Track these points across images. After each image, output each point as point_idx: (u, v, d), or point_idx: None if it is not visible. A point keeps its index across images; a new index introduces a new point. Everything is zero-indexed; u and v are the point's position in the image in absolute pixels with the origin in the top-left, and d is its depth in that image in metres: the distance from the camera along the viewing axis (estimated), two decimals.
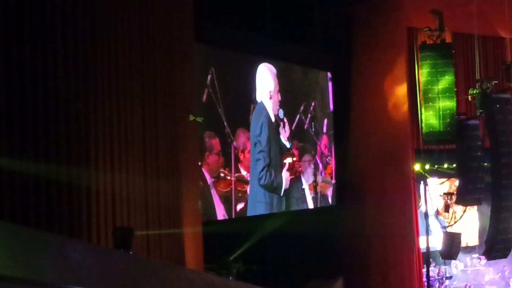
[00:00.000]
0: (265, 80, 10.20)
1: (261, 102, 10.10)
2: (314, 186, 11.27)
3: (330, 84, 12.08)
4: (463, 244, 12.33)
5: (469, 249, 14.10)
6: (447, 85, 11.05)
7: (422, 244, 12.56)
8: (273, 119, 10.31)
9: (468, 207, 12.52)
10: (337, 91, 12.04)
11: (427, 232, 12.38)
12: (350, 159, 12.06)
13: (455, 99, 11.15)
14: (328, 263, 11.39)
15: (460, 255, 12.44)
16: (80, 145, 5.50)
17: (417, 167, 12.47)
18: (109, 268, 3.22)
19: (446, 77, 11.11)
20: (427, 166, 12.72)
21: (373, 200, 11.83)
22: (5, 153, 4.81)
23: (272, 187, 10.24)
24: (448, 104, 11.07)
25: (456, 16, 11.48)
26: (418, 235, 12.53)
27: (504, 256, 11.32)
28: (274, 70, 10.40)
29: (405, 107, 12.14)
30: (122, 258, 3.75)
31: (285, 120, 10.60)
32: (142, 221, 6.32)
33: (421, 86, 11.59)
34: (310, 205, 11.27)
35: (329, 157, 12.08)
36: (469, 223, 13.96)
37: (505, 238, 10.89)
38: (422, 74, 11.36)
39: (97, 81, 5.75)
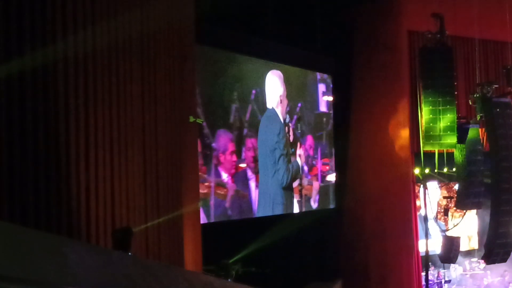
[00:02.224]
0: (275, 86, 10.43)
1: (272, 108, 10.31)
2: (299, 190, 10.82)
3: (320, 85, 11.80)
4: (462, 248, 12.32)
5: (468, 253, 14.09)
6: (447, 89, 11.04)
7: (421, 247, 12.56)
8: (282, 122, 10.61)
9: (467, 211, 12.52)
10: (337, 94, 12.06)
11: (426, 235, 12.38)
12: (350, 162, 12.07)
13: (455, 102, 11.14)
14: (327, 266, 11.38)
15: (459, 259, 12.43)
16: (79, 145, 5.50)
17: (416, 171, 12.47)
18: (108, 269, 3.22)
19: (446, 80, 11.10)
20: (426, 170, 12.71)
21: (372, 203, 11.85)
22: (4, 154, 4.82)
23: (290, 188, 10.74)
24: (448, 107, 11.06)
25: (457, 20, 11.48)
26: (417, 238, 12.52)
27: (503, 260, 11.31)
28: (282, 76, 10.62)
29: (405, 110, 12.14)
30: (121, 259, 3.75)
31: (290, 125, 10.82)
32: (141, 222, 6.33)
33: (421, 89, 11.59)
34: (296, 209, 10.84)
35: (315, 159, 11.64)
36: (469, 226, 13.96)
37: (505, 242, 10.87)
38: (422, 77, 11.36)
39: (97, 83, 5.76)
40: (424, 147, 11.75)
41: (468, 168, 11.02)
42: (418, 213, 12.88)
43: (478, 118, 11.31)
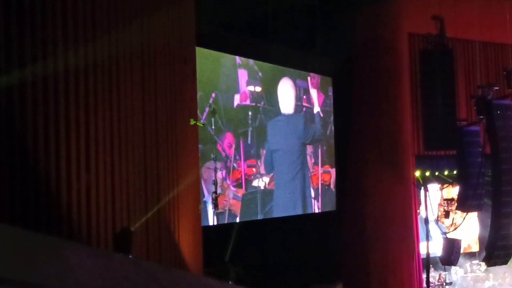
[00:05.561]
0: (288, 93, 10.76)
1: (288, 113, 10.70)
2: (214, 199, 8.41)
3: (241, 71, 9.77)
4: (463, 250, 12.31)
5: (469, 255, 14.07)
6: (447, 91, 11.04)
7: (422, 249, 12.54)
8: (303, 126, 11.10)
9: (468, 213, 12.50)
10: (338, 97, 12.05)
11: (427, 237, 12.37)
12: (350, 164, 12.06)
13: (455, 104, 11.14)
14: (328, 268, 11.37)
15: (460, 261, 12.41)
16: (80, 146, 5.50)
17: (417, 173, 12.46)
18: (108, 271, 3.21)
19: (447, 82, 11.10)
20: (427, 173, 12.71)
21: (373, 205, 11.83)
22: (4, 154, 4.82)
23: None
24: (448, 109, 11.06)
25: (457, 22, 11.48)
26: (418, 240, 12.51)
27: (504, 262, 11.29)
28: (291, 82, 10.92)
29: (406, 113, 12.14)
30: (122, 262, 3.75)
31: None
32: (142, 225, 6.32)
33: (422, 91, 11.58)
34: (211, 222, 8.68)
35: (237, 160, 9.58)
36: (469, 229, 13.94)
37: (505, 245, 10.85)
38: (423, 79, 11.36)
39: (97, 84, 5.76)
40: (425, 149, 11.75)
41: (468, 170, 11.01)
42: (418, 215, 12.87)
43: (479, 120, 11.29)
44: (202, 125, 8.19)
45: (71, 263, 2.84)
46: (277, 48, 10.55)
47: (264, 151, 10.13)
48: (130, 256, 5.11)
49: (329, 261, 11.52)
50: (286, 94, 10.68)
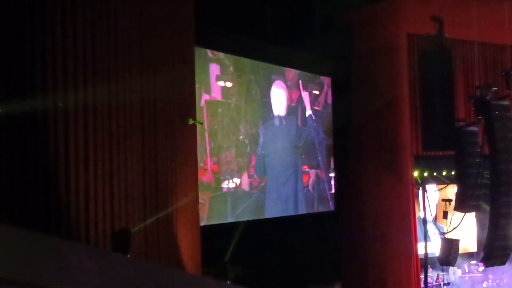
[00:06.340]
0: (281, 96, 10.75)
1: (278, 115, 10.66)
2: None
3: (213, 66, 9.17)
4: (461, 251, 12.32)
5: (467, 256, 14.09)
6: (446, 91, 11.06)
7: (420, 250, 12.56)
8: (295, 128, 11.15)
9: (466, 214, 12.51)
10: (337, 97, 12.07)
11: (425, 238, 12.37)
12: (349, 165, 12.07)
13: (454, 105, 11.15)
14: (326, 268, 11.38)
15: (458, 262, 12.42)
16: (78, 146, 5.50)
17: (416, 173, 12.48)
18: (107, 271, 3.21)
19: (446, 83, 11.11)
20: (425, 173, 12.72)
21: (372, 205, 11.85)
22: (4, 155, 4.82)
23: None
24: (447, 110, 11.07)
25: (456, 23, 11.49)
26: (416, 241, 12.52)
27: (502, 263, 11.29)
28: (284, 84, 10.90)
29: (404, 113, 12.15)
30: (120, 261, 3.75)
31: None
32: (140, 224, 6.32)
33: (420, 92, 11.60)
34: None
35: (203, 160, 8.85)
36: (468, 229, 13.95)
37: (503, 245, 10.85)
38: (421, 80, 11.37)
39: (96, 83, 5.76)
40: (423, 150, 11.76)
41: (467, 170, 11.02)
42: (417, 216, 12.88)
43: (477, 120, 11.30)
44: (201, 123, 8.18)
45: (69, 262, 2.84)
46: (277, 48, 10.55)
47: (225, 155, 9.24)
48: (129, 256, 5.11)
49: (328, 261, 11.53)
50: (278, 96, 10.68)
